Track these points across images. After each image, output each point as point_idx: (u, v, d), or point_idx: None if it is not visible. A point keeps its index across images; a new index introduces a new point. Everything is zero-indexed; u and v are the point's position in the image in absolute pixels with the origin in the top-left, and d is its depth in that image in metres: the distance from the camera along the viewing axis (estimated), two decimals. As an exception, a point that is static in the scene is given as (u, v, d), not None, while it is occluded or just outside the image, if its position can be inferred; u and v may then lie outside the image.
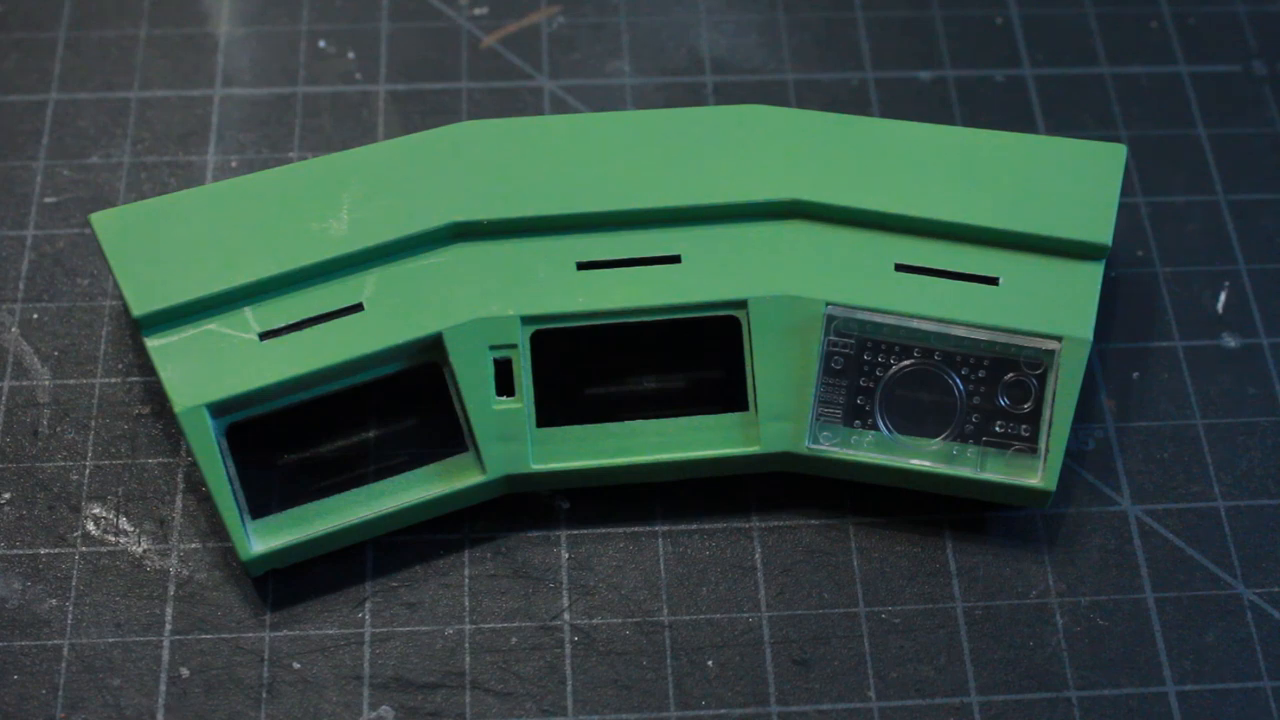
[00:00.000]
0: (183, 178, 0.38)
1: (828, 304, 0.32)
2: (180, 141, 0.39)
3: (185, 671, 0.31)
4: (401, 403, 0.34)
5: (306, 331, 0.32)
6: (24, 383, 0.35)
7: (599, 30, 0.41)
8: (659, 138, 0.34)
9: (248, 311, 0.32)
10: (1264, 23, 0.42)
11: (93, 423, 0.34)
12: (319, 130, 0.39)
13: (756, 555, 0.33)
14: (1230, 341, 0.36)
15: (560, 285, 0.33)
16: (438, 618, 0.32)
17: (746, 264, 0.33)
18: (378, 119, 0.39)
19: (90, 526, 0.33)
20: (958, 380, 0.32)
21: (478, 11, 0.41)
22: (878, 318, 0.32)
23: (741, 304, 0.33)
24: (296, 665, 0.31)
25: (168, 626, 0.32)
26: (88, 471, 0.34)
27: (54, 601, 0.32)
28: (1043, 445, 0.32)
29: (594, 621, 0.32)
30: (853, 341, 0.32)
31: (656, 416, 0.33)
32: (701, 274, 0.33)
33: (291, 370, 0.32)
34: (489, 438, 0.32)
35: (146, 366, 0.34)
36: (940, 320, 0.32)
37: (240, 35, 0.41)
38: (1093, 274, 0.33)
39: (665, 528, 0.33)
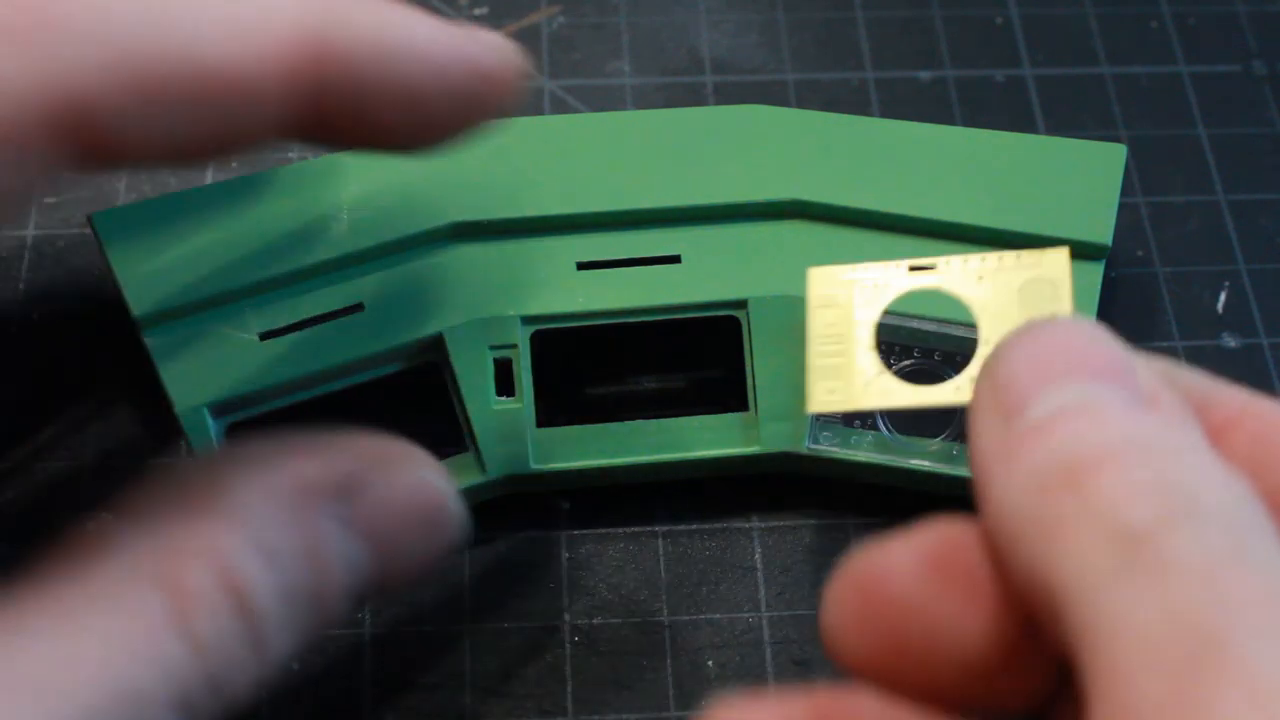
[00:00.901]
0: (183, 178, 0.38)
1: (828, 304, 0.32)
2: (180, 141, 0.39)
3: (185, 671, 0.31)
4: (401, 403, 0.34)
5: (307, 331, 0.32)
6: (24, 383, 0.35)
7: (599, 30, 0.41)
8: (659, 138, 0.34)
9: (248, 311, 0.32)
10: (1264, 23, 0.42)
11: (93, 423, 0.34)
12: (319, 130, 0.39)
13: (756, 555, 0.33)
14: (1230, 341, 0.36)
15: (560, 285, 0.33)
16: (438, 618, 0.32)
17: (746, 264, 0.33)
18: (378, 119, 0.39)
19: (92, 528, 0.33)
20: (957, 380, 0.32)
21: (478, 11, 0.41)
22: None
23: (742, 304, 0.33)
24: (296, 665, 0.31)
25: (168, 626, 0.32)
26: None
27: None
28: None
29: (594, 621, 0.32)
30: (853, 341, 0.32)
31: (656, 416, 0.33)
32: (701, 274, 0.33)
33: (292, 370, 0.32)
34: (489, 438, 0.32)
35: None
36: (940, 320, 0.32)
37: (240, 35, 0.41)
38: (1093, 274, 0.33)
39: (665, 528, 0.33)
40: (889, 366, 0.31)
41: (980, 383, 0.25)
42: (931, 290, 0.29)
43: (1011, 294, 0.28)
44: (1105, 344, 0.25)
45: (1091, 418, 0.23)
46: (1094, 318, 0.32)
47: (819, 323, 0.29)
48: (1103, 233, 0.33)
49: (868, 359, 0.29)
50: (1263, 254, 0.38)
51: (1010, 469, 0.23)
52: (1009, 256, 0.28)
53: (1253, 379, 0.36)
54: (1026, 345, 0.24)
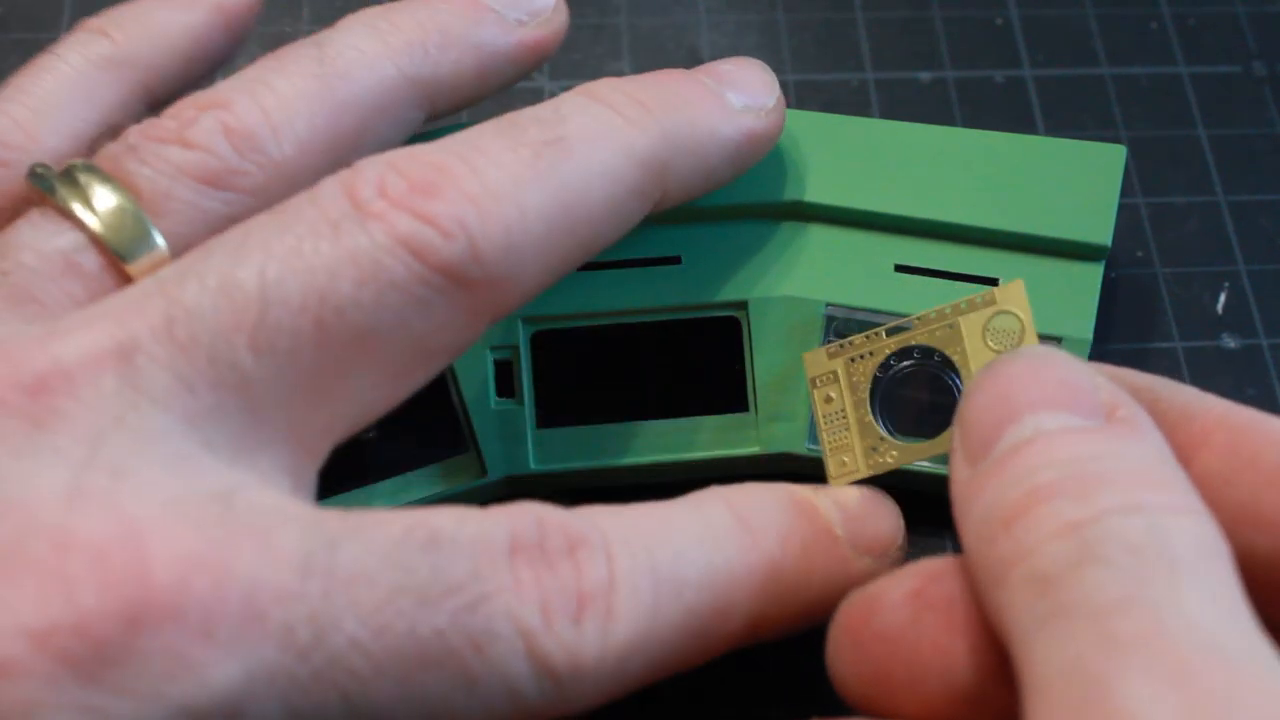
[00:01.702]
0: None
1: (827, 305, 0.32)
2: (180, 142, 0.39)
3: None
4: (401, 403, 0.34)
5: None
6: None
7: (599, 30, 0.41)
8: (659, 138, 0.34)
9: None
10: (1264, 23, 0.42)
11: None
12: (319, 131, 0.39)
13: (756, 556, 0.33)
14: (1230, 342, 0.36)
15: (560, 286, 0.33)
16: (438, 618, 0.32)
17: (746, 265, 0.33)
18: (378, 119, 0.39)
19: None
20: (957, 380, 0.32)
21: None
22: (877, 318, 0.32)
23: (741, 305, 0.33)
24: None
25: (168, 627, 0.32)
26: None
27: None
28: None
29: (594, 622, 0.32)
30: (852, 342, 0.32)
31: (656, 417, 0.33)
32: (701, 275, 0.33)
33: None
34: (489, 438, 0.32)
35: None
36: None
37: (240, 36, 0.41)
38: (1092, 274, 0.33)
39: (665, 528, 0.33)
40: (891, 366, 0.31)
41: (954, 427, 0.25)
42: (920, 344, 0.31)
43: (980, 334, 0.30)
44: (1058, 368, 0.26)
45: (1035, 451, 0.24)
46: (1093, 318, 0.32)
47: (821, 402, 0.31)
48: (1102, 233, 0.33)
49: (870, 428, 0.31)
50: (1263, 254, 0.38)
51: (969, 514, 0.24)
52: (972, 299, 0.30)
53: (1253, 379, 0.36)
54: (985, 387, 0.26)
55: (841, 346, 0.31)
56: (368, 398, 0.26)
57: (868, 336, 0.31)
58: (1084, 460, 0.23)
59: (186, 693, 0.22)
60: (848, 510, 0.29)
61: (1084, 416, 0.25)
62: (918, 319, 0.31)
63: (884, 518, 0.29)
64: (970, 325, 0.30)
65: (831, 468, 0.31)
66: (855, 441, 0.31)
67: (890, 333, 0.31)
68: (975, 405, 0.26)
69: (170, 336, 0.24)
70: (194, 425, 0.24)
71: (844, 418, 0.31)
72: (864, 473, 0.31)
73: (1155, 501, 0.23)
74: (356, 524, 0.24)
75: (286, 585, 0.23)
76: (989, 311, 0.30)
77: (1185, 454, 0.25)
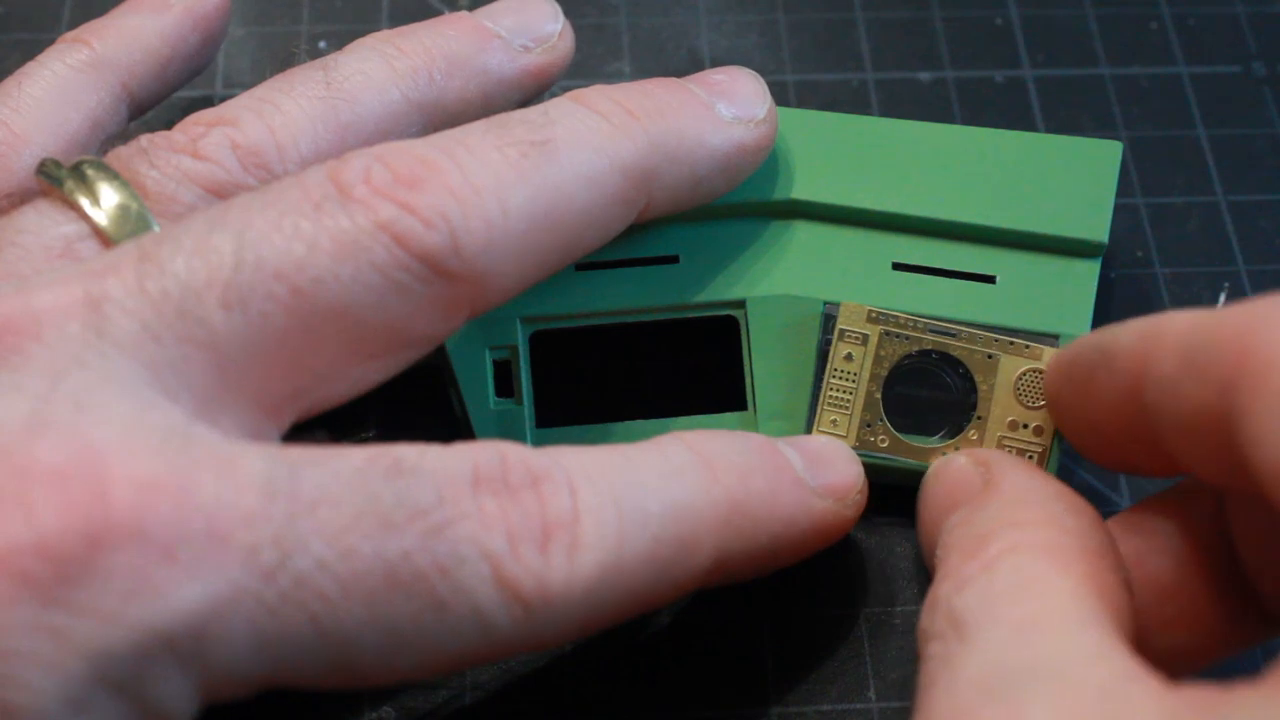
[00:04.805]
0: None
1: (825, 303, 0.32)
2: (181, 142, 0.39)
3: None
4: (401, 403, 0.34)
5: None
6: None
7: (599, 30, 0.41)
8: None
9: None
10: (1264, 23, 0.42)
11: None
12: (319, 131, 0.39)
13: (755, 555, 0.33)
14: (1230, 342, 0.36)
15: (559, 285, 0.33)
16: (436, 617, 0.32)
17: (744, 264, 0.33)
18: (378, 120, 0.39)
19: None
20: (956, 380, 0.32)
21: (478, 12, 0.41)
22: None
23: (740, 304, 0.33)
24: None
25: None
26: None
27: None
28: (1041, 443, 0.32)
29: (593, 621, 0.32)
30: (851, 341, 0.32)
31: (656, 416, 0.33)
32: (699, 274, 0.33)
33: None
34: (489, 438, 0.32)
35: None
36: (941, 320, 0.32)
37: (240, 35, 0.41)
38: (1089, 271, 0.33)
39: (664, 527, 0.33)
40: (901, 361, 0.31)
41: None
42: (946, 329, 0.32)
43: (1010, 378, 0.31)
44: (945, 475, 0.30)
45: (940, 566, 0.27)
46: (1090, 316, 0.32)
47: (840, 356, 0.32)
48: (1099, 230, 0.33)
49: (875, 405, 0.31)
50: (1262, 255, 0.38)
51: None
52: (1019, 342, 0.31)
53: (1252, 379, 0.36)
54: (919, 528, 0.30)
55: (883, 316, 0.32)
56: (338, 375, 0.26)
57: (913, 321, 0.32)
58: (949, 553, 0.26)
59: (149, 613, 0.22)
60: (809, 454, 0.29)
61: (966, 504, 0.28)
62: (963, 330, 0.31)
63: (844, 463, 0.30)
64: (1008, 366, 0.31)
65: (821, 421, 0.31)
66: (855, 410, 0.31)
67: (933, 330, 0.32)
68: (922, 547, 0.30)
69: (141, 289, 0.24)
70: (158, 374, 0.24)
71: (853, 381, 0.31)
72: (849, 442, 0.31)
73: (969, 571, 0.25)
74: (319, 453, 0.24)
75: (250, 507, 0.23)
76: (1027, 364, 0.31)
77: (1149, 369, 0.26)
